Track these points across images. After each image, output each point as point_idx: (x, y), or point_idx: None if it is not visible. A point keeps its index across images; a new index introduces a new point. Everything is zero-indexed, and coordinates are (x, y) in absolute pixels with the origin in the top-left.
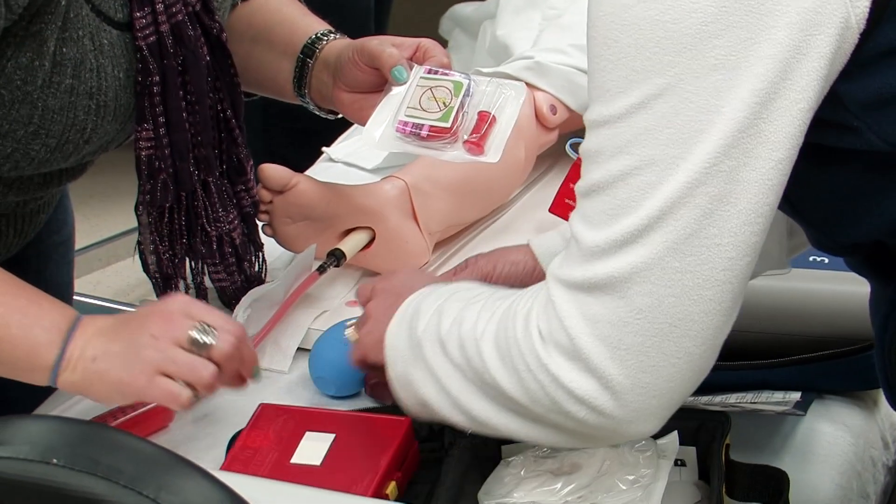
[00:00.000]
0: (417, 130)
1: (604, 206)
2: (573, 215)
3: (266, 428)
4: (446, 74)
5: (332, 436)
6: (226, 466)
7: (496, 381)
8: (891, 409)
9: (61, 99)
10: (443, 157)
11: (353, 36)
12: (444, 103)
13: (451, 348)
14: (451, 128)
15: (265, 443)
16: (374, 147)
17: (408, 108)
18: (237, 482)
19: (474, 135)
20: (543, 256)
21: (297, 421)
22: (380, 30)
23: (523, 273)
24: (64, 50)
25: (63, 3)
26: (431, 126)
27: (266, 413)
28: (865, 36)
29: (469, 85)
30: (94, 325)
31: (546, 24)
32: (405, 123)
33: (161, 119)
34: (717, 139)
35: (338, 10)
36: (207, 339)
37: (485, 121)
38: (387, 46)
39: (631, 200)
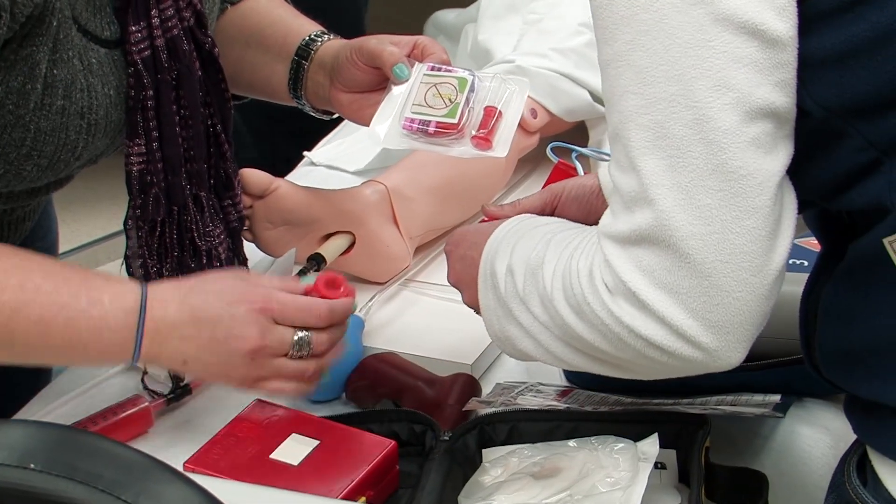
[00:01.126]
0: (424, 127)
1: (626, 149)
2: (610, 164)
3: (255, 421)
4: (449, 71)
5: (317, 442)
6: (206, 449)
7: (581, 336)
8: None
9: (53, 120)
10: (450, 152)
11: (346, 36)
12: (449, 99)
13: (533, 307)
14: (458, 123)
15: (250, 434)
16: (380, 144)
17: (413, 104)
18: (216, 486)
19: (482, 130)
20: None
21: (287, 421)
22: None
23: (589, 193)
24: (55, 71)
25: (55, 23)
26: (438, 122)
27: (259, 408)
28: None
29: (473, 81)
30: (167, 323)
31: (527, 29)
32: (412, 120)
33: (154, 133)
34: (714, 72)
35: (332, 10)
36: (305, 350)
37: (491, 116)
38: (386, 45)
39: (646, 141)
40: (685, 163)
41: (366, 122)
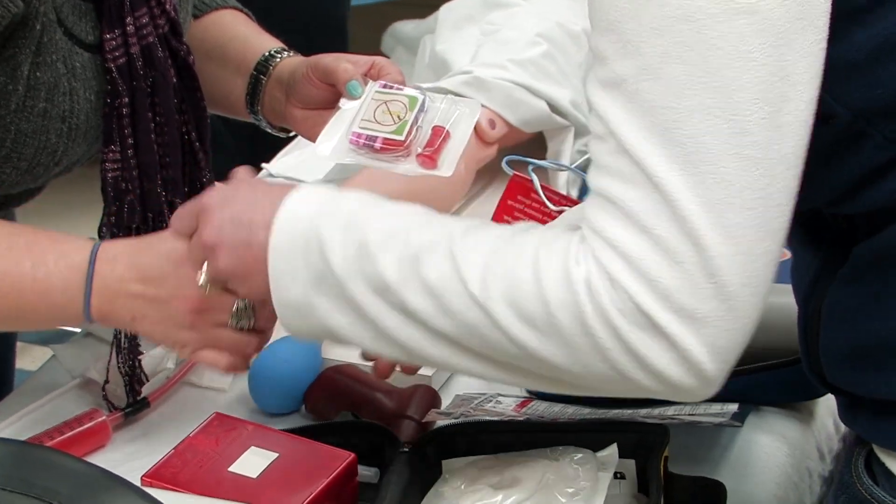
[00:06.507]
0: (371, 143)
1: (641, 163)
2: (608, 180)
3: (214, 434)
4: (401, 90)
5: (276, 454)
6: (164, 462)
7: (519, 341)
8: (827, 421)
9: (34, 123)
10: (396, 169)
11: (328, 48)
12: (398, 117)
13: (405, 296)
14: (404, 141)
15: (208, 448)
16: (326, 159)
17: (362, 120)
18: (174, 500)
19: (428, 148)
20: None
21: (246, 434)
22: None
23: None
24: (38, 74)
25: (38, 27)
26: (385, 139)
27: (218, 421)
28: None
29: (424, 100)
30: (115, 278)
31: (484, 40)
32: (358, 135)
33: (129, 140)
34: (753, 85)
35: (314, 20)
36: (246, 320)
37: (439, 135)
38: (342, 62)
39: (675, 155)
40: (718, 178)
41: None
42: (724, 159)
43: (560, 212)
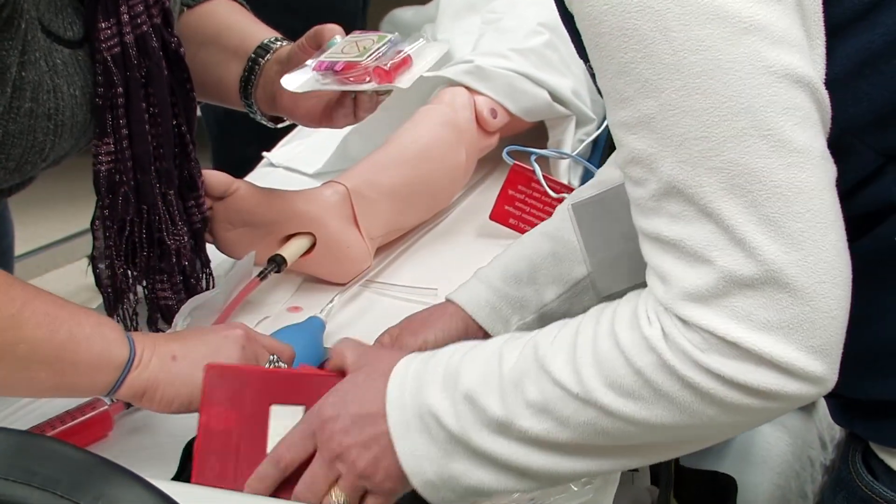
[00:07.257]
0: (332, 67)
1: (693, 198)
2: (658, 222)
3: (223, 402)
4: (375, 33)
5: (301, 407)
6: (201, 462)
7: (633, 419)
8: (828, 411)
9: (21, 123)
10: (359, 88)
11: None
12: (364, 48)
13: (522, 425)
14: (363, 61)
15: (230, 423)
16: (292, 89)
17: (329, 53)
18: (180, 491)
19: (387, 65)
20: (471, 306)
21: (257, 389)
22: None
23: (456, 336)
24: (23, 74)
25: (23, 25)
26: (346, 62)
27: (217, 379)
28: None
29: (394, 38)
30: (151, 335)
31: (486, 29)
32: (321, 63)
33: (124, 132)
34: (780, 96)
35: (328, 12)
36: (282, 364)
37: (400, 59)
38: (330, 25)
39: (720, 183)
40: (769, 193)
41: (301, 117)
42: (772, 174)
43: (561, 199)
